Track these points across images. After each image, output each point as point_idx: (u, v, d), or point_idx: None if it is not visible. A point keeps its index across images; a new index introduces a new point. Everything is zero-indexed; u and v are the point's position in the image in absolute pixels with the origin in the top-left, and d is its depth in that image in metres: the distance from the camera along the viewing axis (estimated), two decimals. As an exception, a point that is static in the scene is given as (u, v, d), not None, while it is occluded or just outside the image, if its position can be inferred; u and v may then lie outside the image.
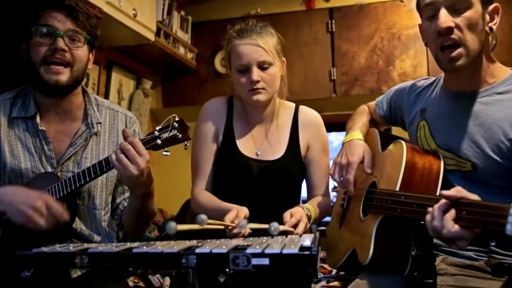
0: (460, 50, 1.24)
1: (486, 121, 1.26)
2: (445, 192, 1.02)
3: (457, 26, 1.23)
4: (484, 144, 1.26)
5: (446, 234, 0.99)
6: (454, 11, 1.23)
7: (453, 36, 1.23)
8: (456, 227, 0.98)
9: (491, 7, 1.28)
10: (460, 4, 1.23)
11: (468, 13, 1.23)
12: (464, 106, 1.31)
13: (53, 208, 1.25)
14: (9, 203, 1.25)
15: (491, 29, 1.28)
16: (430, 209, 1.04)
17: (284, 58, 1.67)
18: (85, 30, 1.43)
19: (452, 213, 1.00)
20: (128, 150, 1.27)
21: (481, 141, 1.26)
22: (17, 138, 1.44)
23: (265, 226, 1.23)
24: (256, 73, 1.56)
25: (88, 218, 1.49)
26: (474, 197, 1.02)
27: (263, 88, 1.59)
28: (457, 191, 1.02)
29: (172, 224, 1.07)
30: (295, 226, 1.41)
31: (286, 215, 1.44)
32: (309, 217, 1.50)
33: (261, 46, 1.56)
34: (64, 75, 1.39)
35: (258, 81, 1.57)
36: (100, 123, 1.52)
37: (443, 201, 1.03)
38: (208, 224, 1.18)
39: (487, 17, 1.27)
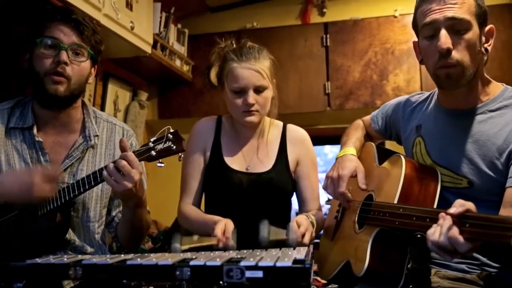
0: (458, 69, 1.25)
1: (480, 139, 1.28)
2: (451, 211, 1.00)
3: (456, 48, 1.24)
4: (480, 161, 1.27)
5: (461, 249, 0.97)
6: (454, 32, 1.25)
7: (451, 58, 1.24)
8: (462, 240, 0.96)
9: (487, 29, 1.31)
10: (460, 25, 1.24)
11: (467, 35, 1.25)
12: (459, 124, 1.33)
13: (46, 172, 1.29)
14: (9, 191, 1.29)
15: (486, 49, 1.31)
16: (435, 225, 1.02)
17: (274, 80, 1.70)
18: (89, 45, 1.44)
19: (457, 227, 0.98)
20: (123, 166, 1.27)
21: (476, 158, 1.28)
22: (13, 148, 1.44)
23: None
24: (252, 97, 1.60)
25: (81, 230, 1.48)
26: (471, 205, 1.01)
27: (257, 111, 1.63)
28: (460, 204, 1.01)
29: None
30: (302, 235, 1.42)
31: (293, 224, 1.44)
32: (312, 225, 1.51)
33: (259, 72, 1.61)
34: (62, 86, 1.40)
35: (253, 104, 1.61)
36: (97, 135, 1.52)
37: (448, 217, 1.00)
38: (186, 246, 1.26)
39: (483, 39, 1.29)
